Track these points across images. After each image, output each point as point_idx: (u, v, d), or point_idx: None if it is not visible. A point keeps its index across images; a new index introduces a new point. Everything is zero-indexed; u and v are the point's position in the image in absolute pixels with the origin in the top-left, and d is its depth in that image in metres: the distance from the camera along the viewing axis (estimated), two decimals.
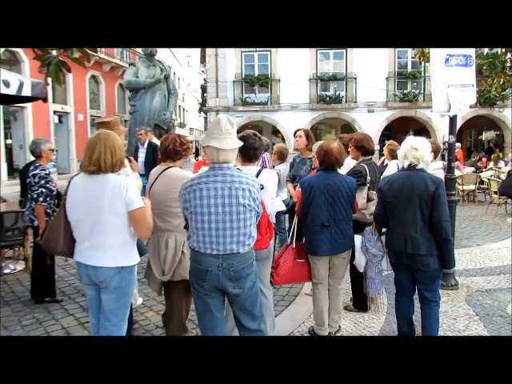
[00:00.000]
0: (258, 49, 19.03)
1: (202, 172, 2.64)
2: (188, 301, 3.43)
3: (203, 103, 24.30)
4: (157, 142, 8.04)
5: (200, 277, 2.54)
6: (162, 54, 27.73)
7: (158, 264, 3.29)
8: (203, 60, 22.76)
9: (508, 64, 10.03)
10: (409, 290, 3.45)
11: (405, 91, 18.73)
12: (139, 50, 17.46)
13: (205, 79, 22.82)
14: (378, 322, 4.07)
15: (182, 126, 40.61)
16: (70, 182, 2.68)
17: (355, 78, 18.58)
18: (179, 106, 41.56)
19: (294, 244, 3.66)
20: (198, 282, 2.56)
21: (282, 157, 5.86)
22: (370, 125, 18.51)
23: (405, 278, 3.42)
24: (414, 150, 3.22)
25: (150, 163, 7.05)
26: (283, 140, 19.11)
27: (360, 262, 3.79)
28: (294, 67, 18.37)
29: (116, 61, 21.67)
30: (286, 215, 5.73)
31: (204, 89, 23.76)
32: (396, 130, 20.60)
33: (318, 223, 3.49)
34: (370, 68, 18.06)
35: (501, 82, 10.53)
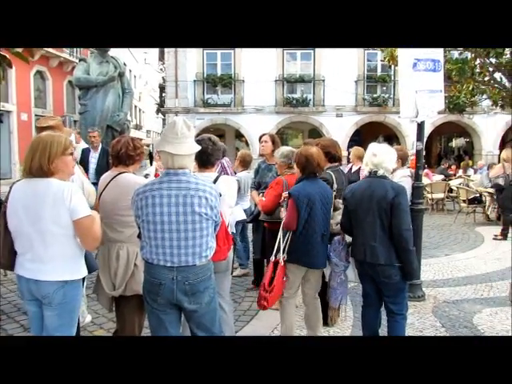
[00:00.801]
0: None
1: (156, 178, 2.64)
2: (141, 317, 3.39)
3: (161, 104, 24.07)
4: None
5: (153, 291, 2.52)
6: (117, 49, 27.37)
7: (109, 278, 3.24)
8: (162, 57, 22.62)
9: (477, 70, 10.51)
10: (375, 302, 3.55)
11: (374, 95, 19.27)
12: None
13: (163, 78, 22.65)
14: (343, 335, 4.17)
15: (138, 127, 40.07)
16: (11, 189, 2.61)
17: (323, 81, 18.95)
18: (135, 107, 41.01)
19: (282, 261, 3.57)
20: (151, 296, 2.54)
21: (244, 163, 5.91)
22: (339, 130, 18.92)
23: (370, 290, 3.52)
24: (374, 156, 3.35)
25: (104, 170, 6.89)
26: (247, 144, 19.23)
27: (326, 270, 3.90)
28: (259, 67, 18.53)
29: (65, 55, 21.17)
30: (250, 225, 5.79)
31: (162, 88, 23.55)
32: (365, 136, 21.09)
33: (319, 233, 3.56)
34: (339, 70, 18.46)
35: (470, 88, 11.03)
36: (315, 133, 19.82)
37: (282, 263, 3.55)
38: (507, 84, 10.53)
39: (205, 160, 3.14)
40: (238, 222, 5.72)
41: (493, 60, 9.89)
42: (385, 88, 19.48)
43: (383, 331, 3.71)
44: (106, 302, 3.39)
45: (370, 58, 19.00)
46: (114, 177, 3.24)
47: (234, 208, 3.42)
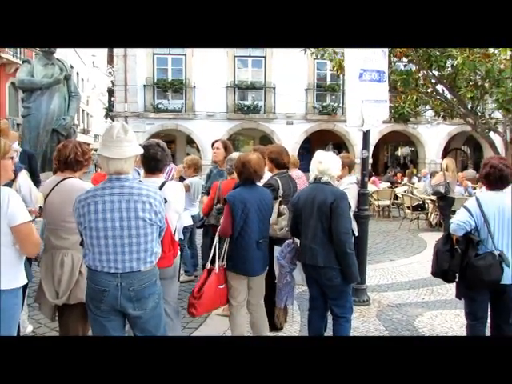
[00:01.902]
0: (171, 52, 18.96)
1: (99, 184, 2.60)
2: (85, 326, 3.31)
3: (110, 108, 23.55)
4: None
5: (96, 298, 2.49)
6: (64, 52, 26.59)
7: (52, 286, 3.15)
8: (110, 61, 22.15)
9: (421, 81, 11.01)
10: (320, 305, 3.65)
11: (324, 104, 19.72)
12: None
13: (112, 82, 22.19)
14: None
15: (85, 132, 39.04)
16: None
17: (274, 88, 19.20)
18: (83, 111, 39.91)
19: (217, 268, 3.56)
20: (94, 303, 2.51)
21: (195, 169, 5.91)
22: (289, 137, 19.23)
23: (315, 293, 3.64)
24: (319, 163, 3.48)
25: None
26: (198, 150, 19.16)
27: (276, 272, 3.98)
28: (211, 73, 18.53)
29: (8, 56, 20.38)
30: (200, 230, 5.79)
31: (111, 92, 23.06)
32: (315, 143, 21.54)
33: (254, 241, 3.55)
34: (289, 78, 18.75)
35: (414, 99, 11.52)
36: (266, 139, 20.02)
37: (217, 270, 3.53)
38: (448, 96, 11.09)
39: (153, 166, 3.13)
40: (185, 228, 5.72)
41: (435, 72, 10.39)
42: (334, 97, 19.99)
43: (329, 334, 3.81)
44: (49, 311, 3.30)
45: (319, 67, 19.44)
46: (59, 182, 3.17)
47: (181, 214, 3.40)
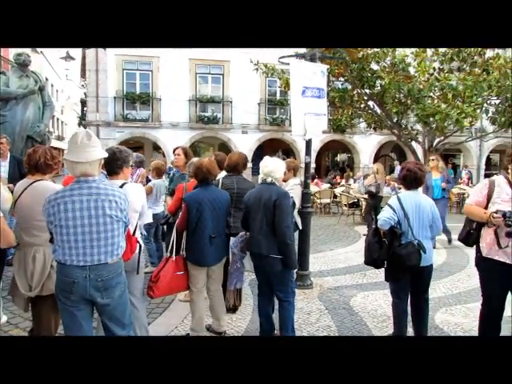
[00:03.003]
0: (139, 68, 18.62)
1: (66, 186, 2.52)
2: (57, 315, 3.18)
3: (83, 117, 22.79)
4: None
5: (66, 289, 2.41)
6: (39, 64, 25.46)
7: (25, 279, 3.01)
8: (83, 75, 21.42)
9: (355, 98, 11.31)
10: (267, 291, 3.69)
11: (274, 116, 19.87)
12: (11, 57, 15.73)
13: (85, 93, 21.46)
14: (244, 321, 4.24)
15: (60, 139, 37.56)
16: None
17: (231, 102, 19.18)
18: (57, 119, 38.37)
19: (174, 257, 3.60)
20: (64, 294, 2.42)
21: (159, 172, 5.82)
22: (244, 144, 19.29)
23: (262, 279, 3.68)
24: (265, 167, 3.55)
25: (16, 180, 6.18)
26: (164, 156, 18.85)
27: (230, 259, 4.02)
28: (175, 88, 18.32)
29: None
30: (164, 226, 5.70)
31: (84, 103, 22.32)
32: (267, 150, 21.64)
33: (207, 236, 3.56)
34: (244, 94, 18.82)
35: (349, 113, 11.82)
36: (224, 147, 19.99)
37: (174, 259, 3.59)
38: (378, 111, 11.46)
39: (109, 169, 3.07)
40: (149, 225, 5.62)
41: (367, 91, 10.70)
42: (283, 110, 20.17)
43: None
44: (22, 303, 3.15)
45: (270, 84, 19.55)
46: (31, 184, 3.04)
47: (144, 212, 3.31)
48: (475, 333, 4.08)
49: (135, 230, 3.06)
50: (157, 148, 20.48)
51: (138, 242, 3.05)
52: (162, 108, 18.62)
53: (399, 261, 3.47)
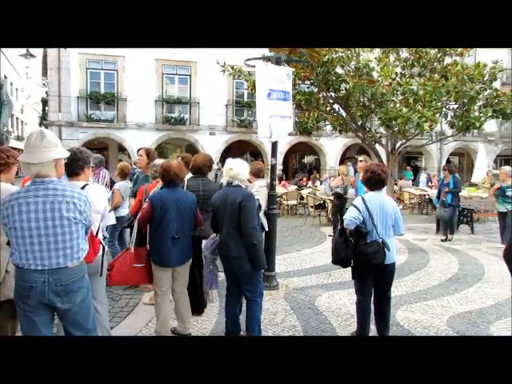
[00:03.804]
0: (104, 67, 18.21)
1: (22, 187, 2.45)
2: (14, 322, 3.07)
3: (44, 117, 22.05)
4: None
5: (24, 294, 2.33)
6: None
7: None
8: (45, 73, 20.72)
9: (321, 101, 11.48)
10: (235, 291, 3.71)
11: (241, 118, 19.91)
12: None
13: (46, 92, 20.78)
14: (209, 323, 4.24)
15: (19, 139, 36.18)
16: None
17: (198, 103, 19.08)
18: (17, 119, 36.94)
19: (133, 249, 3.63)
20: (22, 299, 2.34)
21: (123, 174, 5.72)
22: (212, 146, 19.23)
23: (230, 280, 3.70)
24: (231, 170, 3.58)
25: None
26: (129, 157, 18.50)
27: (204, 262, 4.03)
28: (141, 88, 18.03)
29: None
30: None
31: (45, 102, 21.60)
32: (234, 152, 21.66)
33: (170, 236, 3.54)
34: (212, 95, 18.75)
35: (315, 116, 11.99)
36: (191, 148, 19.87)
37: (132, 250, 3.62)
38: (343, 114, 11.68)
39: (69, 170, 3.00)
40: (115, 227, 5.52)
41: (332, 94, 10.89)
42: (250, 112, 20.21)
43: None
44: None
45: (238, 85, 19.58)
46: None
47: (106, 214, 3.27)
48: (434, 329, 4.26)
49: (98, 231, 3.00)
50: (122, 149, 20.08)
51: (101, 243, 3.00)
52: (127, 108, 18.28)
53: (365, 259, 3.59)
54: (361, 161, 8.11)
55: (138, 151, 5.42)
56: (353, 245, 3.64)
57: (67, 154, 2.55)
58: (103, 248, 3.01)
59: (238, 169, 3.58)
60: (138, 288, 5.19)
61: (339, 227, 3.97)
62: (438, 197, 9.31)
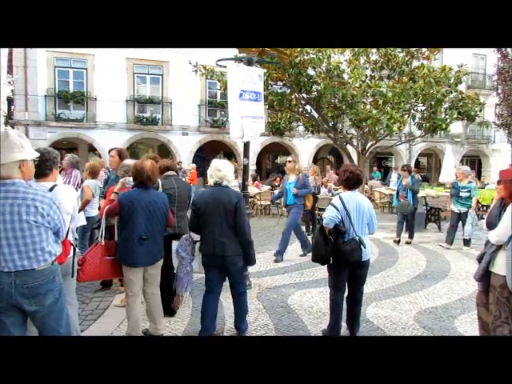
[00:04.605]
0: (72, 65, 17.79)
1: None
2: None
3: (10, 116, 21.34)
4: None
5: None
6: None
7: None
8: (10, 71, 20.07)
9: (293, 102, 11.61)
10: (217, 288, 3.80)
11: (215, 118, 19.86)
12: None
13: (12, 91, 20.12)
14: (182, 324, 4.23)
15: None
16: None
17: (170, 103, 18.92)
18: None
19: (103, 241, 3.59)
20: None
21: (92, 173, 5.63)
22: (185, 146, 19.16)
23: (214, 277, 3.75)
24: (218, 171, 3.62)
25: None
26: (100, 157, 18.16)
27: (175, 264, 4.00)
28: (111, 87, 17.71)
29: None
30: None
31: (11, 101, 20.91)
32: (208, 152, 21.63)
33: (137, 236, 3.51)
34: (184, 95, 18.62)
35: (288, 116, 12.10)
36: (164, 148, 19.70)
37: (103, 243, 3.58)
38: (315, 115, 11.84)
39: (37, 171, 2.94)
40: (85, 228, 5.44)
41: (304, 95, 11.04)
42: (223, 112, 20.19)
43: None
44: None
45: (210, 85, 19.50)
46: None
47: (76, 214, 3.22)
48: (402, 324, 4.39)
49: (67, 232, 2.96)
50: (93, 149, 19.69)
51: (71, 244, 2.96)
52: (97, 108, 17.91)
53: (344, 257, 3.71)
54: (289, 161, 7.51)
55: (109, 152, 5.35)
56: (332, 243, 3.74)
57: (35, 156, 2.49)
58: (74, 249, 2.96)
59: (225, 170, 3.67)
60: (108, 290, 5.13)
61: (318, 226, 4.04)
62: (397, 197, 8.97)
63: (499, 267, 3.11)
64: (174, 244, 3.97)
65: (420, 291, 5.56)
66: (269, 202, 13.06)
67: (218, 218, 3.56)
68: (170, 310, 4.26)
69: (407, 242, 8.83)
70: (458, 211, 8.26)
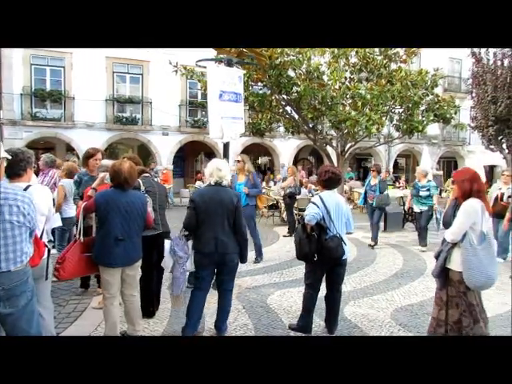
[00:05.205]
0: (49, 63, 17.44)
1: None
2: None
3: None
4: None
5: None
6: None
7: None
8: None
9: (274, 103, 11.67)
10: (208, 285, 3.85)
11: (195, 118, 19.77)
12: None
13: None
14: (161, 325, 4.21)
15: None
16: None
17: (151, 103, 18.75)
18: None
19: (82, 238, 3.56)
20: None
21: (69, 173, 5.56)
22: (165, 146, 19.01)
23: (207, 275, 3.78)
24: (219, 170, 3.65)
25: None
26: (78, 158, 17.86)
27: (168, 263, 3.95)
28: (90, 86, 17.43)
29: None
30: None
31: None
32: (188, 152, 21.57)
33: (113, 237, 3.47)
34: (165, 95, 18.49)
35: (268, 117, 12.17)
36: (144, 148, 19.51)
37: (82, 240, 3.56)
38: (295, 116, 11.93)
39: (11, 171, 2.90)
40: (63, 230, 5.35)
41: (284, 96, 11.11)
42: (204, 112, 20.10)
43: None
44: None
45: (191, 85, 19.39)
46: None
47: (51, 216, 3.17)
48: (379, 322, 4.47)
49: (42, 234, 2.91)
50: (71, 149, 19.34)
51: (46, 246, 2.91)
52: (75, 107, 17.59)
53: (328, 253, 3.80)
54: (238, 161, 7.04)
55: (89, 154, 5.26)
56: (315, 239, 3.80)
57: (4, 155, 2.44)
58: (48, 251, 2.92)
59: (226, 170, 3.73)
60: (86, 291, 5.06)
61: (300, 224, 4.09)
62: (365, 199, 8.82)
63: (455, 264, 3.28)
64: (167, 243, 3.94)
65: (397, 289, 5.67)
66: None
67: (220, 217, 3.63)
68: (148, 312, 4.24)
69: (371, 246, 8.44)
70: (419, 211, 8.27)
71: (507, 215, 6.62)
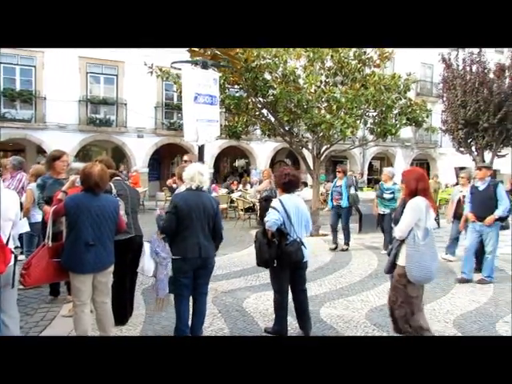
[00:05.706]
0: (20, 63, 16.95)
1: None
2: None
3: None
4: None
5: None
6: None
7: None
8: None
9: (250, 106, 11.65)
10: (189, 293, 3.79)
11: (171, 121, 19.60)
12: None
13: None
14: (134, 332, 4.11)
15: None
16: None
17: (125, 104, 18.47)
18: None
19: (50, 243, 3.42)
20: None
21: (37, 176, 5.38)
22: (140, 149, 18.77)
23: (189, 282, 3.72)
24: (201, 175, 3.61)
25: None
26: None
27: (149, 268, 3.85)
28: (63, 87, 17.03)
29: None
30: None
31: None
32: (164, 155, 21.35)
33: (83, 242, 3.36)
34: (140, 96, 18.25)
35: (244, 120, 12.13)
36: (118, 150, 19.20)
37: (50, 245, 3.42)
38: (272, 118, 11.94)
39: None
40: (32, 236, 5.20)
41: (261, 99, 11.10)
42: (180, 115, 19.94)
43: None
44: None
45: (167, 87, 19.24)
46: None
47: (18, 221, 3.05)
48: (354, 322, 4.51)
49: (8, 239, 2.80)
50: (42, 151, 18.83)
51: (12, 252, 2.80)
52: (47, 108, 17.15)
53: (288, 258, 3.80)
54: (185, 161, 6.60)
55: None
56: (275, 245, 3.78)
57: None
58: (15, 257, 2.80)
59: (207, 175, 3.75)
60: (55, 298, 4.90)
61: (260, 229, 4.09)
62: (331, 200, 8.79)
63: (401, 259, 3.47)
64: (147, 247, 3.85)
65: (371, 290, 5.73)
66: (226, 206, 13.03)
67: (202, 222, 3.64)
68: (121, 319, 4.13)
69: (342, 249, 8.45)
70: (382, 212, 8.04)
71: (463, 217, 6.66)
